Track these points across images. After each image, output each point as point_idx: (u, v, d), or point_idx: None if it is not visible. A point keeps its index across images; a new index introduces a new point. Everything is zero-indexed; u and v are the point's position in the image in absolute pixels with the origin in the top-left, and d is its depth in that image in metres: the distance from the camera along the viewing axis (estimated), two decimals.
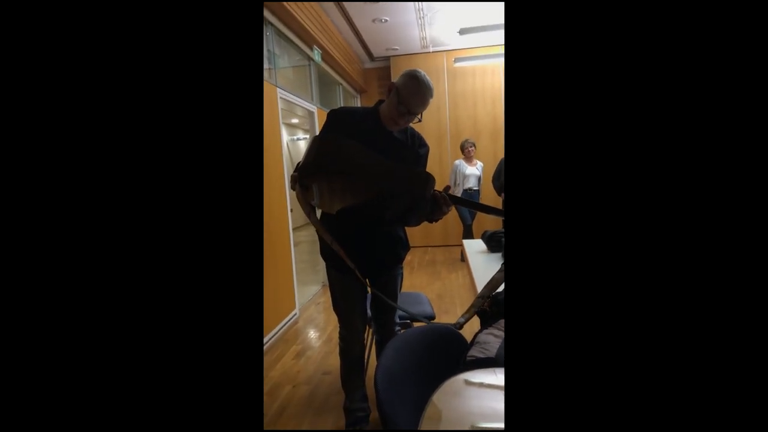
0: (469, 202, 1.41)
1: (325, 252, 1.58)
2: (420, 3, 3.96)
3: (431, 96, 1.38)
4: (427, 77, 1.38)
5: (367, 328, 1.78)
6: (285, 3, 2.96)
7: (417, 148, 1.50)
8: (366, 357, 1.76)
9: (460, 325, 1.07)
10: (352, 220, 1.36)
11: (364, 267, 1.37)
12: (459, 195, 4.64)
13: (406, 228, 1.60)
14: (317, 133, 1.52)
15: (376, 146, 1.27)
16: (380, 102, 1.46)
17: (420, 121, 1.41)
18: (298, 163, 1.28)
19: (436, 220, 1.32)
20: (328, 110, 1.51)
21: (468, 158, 4.65)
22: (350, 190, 1.21)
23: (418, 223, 1.35)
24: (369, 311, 1.73)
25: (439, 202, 1.22)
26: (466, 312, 1.09)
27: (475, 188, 4.65)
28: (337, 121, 1.43)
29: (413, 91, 1.34)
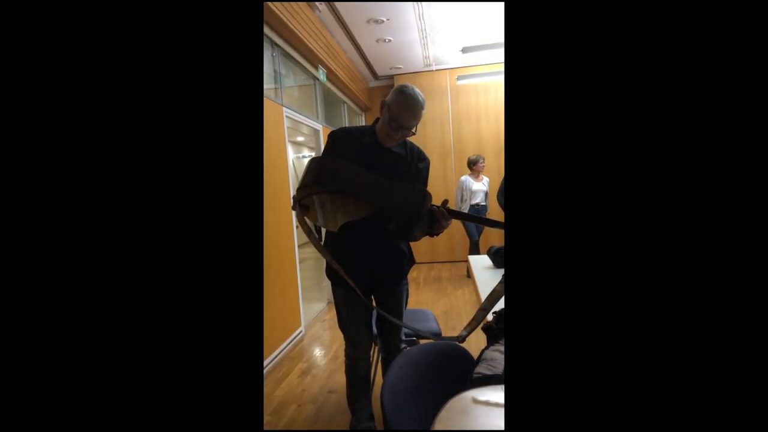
0: (468, 216, 1.41)
1: (330, 271, 1.58)
2: (422, 23, 4.04)
3: (422, 108, 1.39)
4: (417, 90, 1.40)
5: (373, 345, 1.76)
6: (290, 25, 3.03)
7: (416, 163, 1.52)
8: (372, 375, 1.75)
9: (463, 338, 1.05)
10: (354, 235, 1.37)
11: (367, 282, 1.37)
12: (467, 211, 4.65)
13: (411, 243, 1.60)
14: (323, 150, 1.55)
15: (375, 162, 1.29)
16: (378, 120, 1.49)
17: (414, 134, 1.43)
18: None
19: (437, 234, 1.33)
20: (332, 129, 1.54)
21: (476, 174, 4.66)
22: (352, 207, 1.22)
23: (419, 237, 1.36)
24: (375, 328, 1.72)
25: (437, 216, 1.23)
26: (468, 325, 1.07)
27: (482, 204, 4.65)
28: (337, 142, 1.47)
29: (402, 106, 1.37)
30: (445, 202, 1.25)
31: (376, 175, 1.19)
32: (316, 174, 1.19)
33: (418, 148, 1.56)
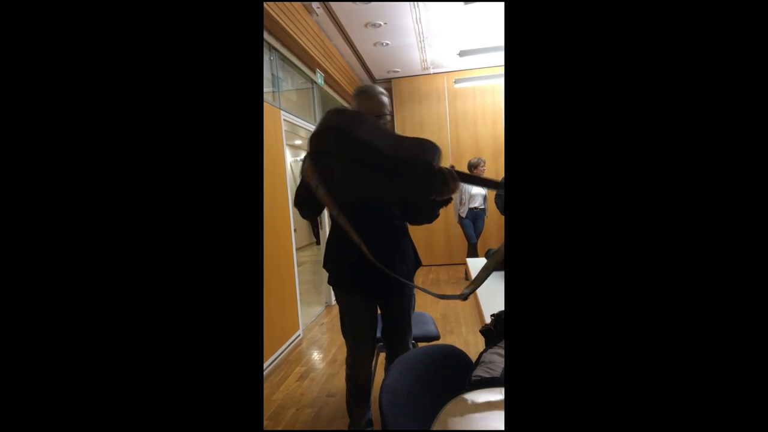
0: (472, 177, 1.42)
1: (334, 278, 1.56)
2: (420, 26, 4.05)
3: (382, 95, 1.46)
4: (370, 86, 1.47)
5: (377, 351, 1.74)
6: (288, 29, 3.04)
7: None
8: (373, 380, 1.73)
9: (465, 296, 1.08)
10: (358, 229, 1.38)
11: (370, 284, 1.37)
12: (465, 214, 4.67)
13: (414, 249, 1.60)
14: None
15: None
16: None
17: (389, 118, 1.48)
18: (313, 131, 1.27)
19: (446, 202, 1.35)
20: None
21: None
22: (363, 179, 1.21)
23: (431, 205, 1.40)
24: (379, 333, 1.70)
25: (446, 177, 1.24)
26: (471, 283, 1.11)
27: (481, 207, 4.66)
28: None
29: (368, 96, 1.46)
30: (452, 167, 1.26)
31: (388, 130, 1.21)
32: (329, 117, 1.18)
33: None
